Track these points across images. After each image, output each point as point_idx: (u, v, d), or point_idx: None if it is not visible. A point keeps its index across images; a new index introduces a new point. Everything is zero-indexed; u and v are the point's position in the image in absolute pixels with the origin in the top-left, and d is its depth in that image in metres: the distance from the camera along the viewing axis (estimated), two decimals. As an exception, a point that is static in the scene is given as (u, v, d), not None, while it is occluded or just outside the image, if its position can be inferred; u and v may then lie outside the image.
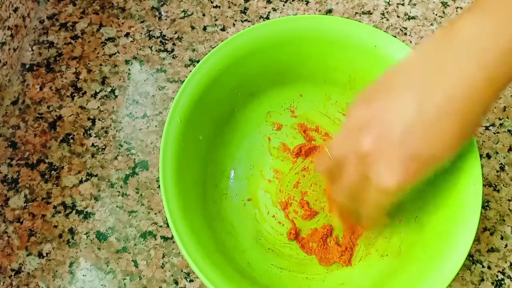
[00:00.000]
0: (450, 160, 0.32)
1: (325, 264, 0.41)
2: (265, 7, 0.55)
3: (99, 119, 0.49)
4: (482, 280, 0.43)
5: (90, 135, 0.48)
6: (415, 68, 0.30)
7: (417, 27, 0.54)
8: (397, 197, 0.31)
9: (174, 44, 0.53)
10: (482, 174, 0.36)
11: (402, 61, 0.31)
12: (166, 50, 0.52)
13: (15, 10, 0.50)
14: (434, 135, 0.29)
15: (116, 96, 0.50)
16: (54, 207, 0.45)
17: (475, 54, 0.28)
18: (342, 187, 0.34)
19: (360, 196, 0.33)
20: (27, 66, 0.51)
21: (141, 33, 0.53)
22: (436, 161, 0.30)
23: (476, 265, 0.44)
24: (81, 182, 0.46)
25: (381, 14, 0.54)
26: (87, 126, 0.49)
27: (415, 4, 0.55)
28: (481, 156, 0.48)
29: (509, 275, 0.43)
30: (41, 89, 0.50)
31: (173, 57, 0.52)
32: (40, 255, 0.43)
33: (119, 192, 0.46)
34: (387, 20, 0.54)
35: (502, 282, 0.43)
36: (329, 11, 0.55)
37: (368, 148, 0.30)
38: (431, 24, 0.54)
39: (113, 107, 0.50)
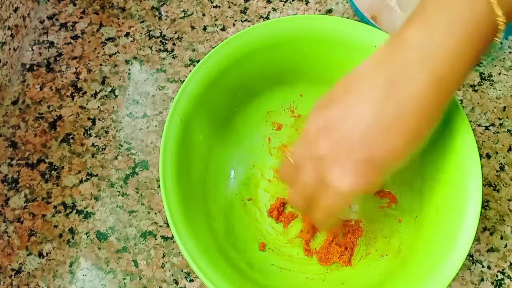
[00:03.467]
0: (405, 161, 0.32)
1: (325, 264, 0.41)
2: (265, 7, 0.55)
3: (99, 119, 0.49)
4: (482, 280, 0.43)
5: (90, 135, 0.48)
6: (369, 75, 0.31)
7: (417, 27, 0.54)
8: (351, 200, 0.32)
9: (174, 44, 0.53)
10: (482, 174, 0.36)
11: (358, 68, 0.32)
12: (166, 50, 0.52)
13: (15, 10, 0.50)
14: (385, 141, 0.30)
15: (116, 96, 0.50)
16: (54, 207, 0.45)
17: (423, 61, 0.29)
18: (298, 190, 0.34)
19: (315, 199, 0.33)
20: (27, 66, 0.51)
21: (141, 33, 0.53)
22: (390, 165, 0.31)
23: (476, 265, 0.44)
24: (81, 182, 0.46)
25: (381, 14, 0.54)
26: (87, 126, 0.49)
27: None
28: (481, 156, 0.48)
29: (509, 275, 0.43)
30: (41, 89, 0.50)
31: (173, 57, 0.52)
32: (40, 255, 0.43)
33: (119, 192, 0.46)
34: (387, 20, 0.54)
35: (502, 282, 0.43)
36: (329, 11, 0.55)
37: (325, 152, 0.31)
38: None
39: (113, 107, 0.50)
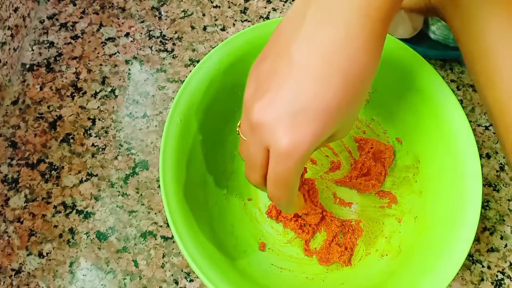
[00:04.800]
0: (348, 120, 0.29)
1: (325, 264, 0.41)
2: (265, 7, 0.55)
3: (99, 119, 0.49)
4: (482, 280, 0.43)
5: (90, 135, 0.48)
6: (293, 20, 0.28)
7: (417, 27, 0.54)
8: (299, 161, 0.28)
9: (174, 44, 0.53)
10: (482, 174, 0.36)
11: (286, 14, 0.30)
12: (166, 50, 0.52)
13: (15, 10, 0.50)
14: (316, 86, 0.27)
15: (116, 96, 0.50)
16: (54, 207, 0.45)
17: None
18: (248, 163, 0.32)
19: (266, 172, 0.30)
20: (27, 66, 0.51)
21: (141, 33, 0.53)
22: (328, 110, 0.27)
23: (476, 265, 0.44)
24: (81, 182, 0.46)
25: (381, 14, 0.54)
26: (87, 126, 0.49)
27: (415, 4, 0.55)
28: (481, 156, 0.48)
29: (508, 275, 0.43)
30: (41, 89, 0.50)
31: (173, 57, 0.52)
32: (40, 255, 0.43)
33: (119, 192, 0.46)
34: (387, 20, 0.54)
35: (502, 282, 0.43)
36: (329, 11, 0.55)
37: (259, 116, 0.28)
38: (431, 24, 0.54)
39: (113, 107, 0.50)
